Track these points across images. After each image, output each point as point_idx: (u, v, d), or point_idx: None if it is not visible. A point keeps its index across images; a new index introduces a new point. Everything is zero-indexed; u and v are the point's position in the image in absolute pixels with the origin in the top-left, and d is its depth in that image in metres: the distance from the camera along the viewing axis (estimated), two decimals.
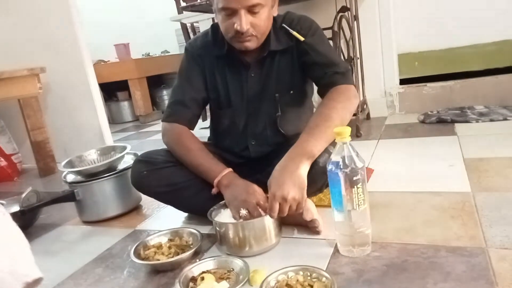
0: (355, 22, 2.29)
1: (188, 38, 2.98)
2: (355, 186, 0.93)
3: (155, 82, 4.28)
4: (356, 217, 0.95)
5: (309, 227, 1.13)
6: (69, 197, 1.49)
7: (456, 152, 1.65)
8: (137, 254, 1.11)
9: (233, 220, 1.08)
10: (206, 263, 1.02)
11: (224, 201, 1.15)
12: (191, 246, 1.14)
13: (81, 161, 1.64)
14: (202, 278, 0.94)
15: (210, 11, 2.42)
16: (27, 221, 1.50)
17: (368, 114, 2.53)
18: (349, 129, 0.93)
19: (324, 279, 0.88)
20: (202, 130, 2.68)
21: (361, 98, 2.45)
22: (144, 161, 1.26)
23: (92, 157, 1.66)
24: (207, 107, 1.37)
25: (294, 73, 1.22)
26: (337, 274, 0.92)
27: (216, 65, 1.26)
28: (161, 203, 1.52)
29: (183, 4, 2.68)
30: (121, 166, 1.58)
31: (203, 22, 2.89)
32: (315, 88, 1.27)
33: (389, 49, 2.49)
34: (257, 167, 1.22)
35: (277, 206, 0.97)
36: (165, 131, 1.27)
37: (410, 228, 1.09)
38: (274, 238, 1.08)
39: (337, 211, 0.97)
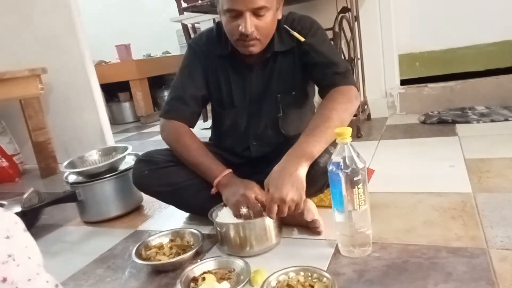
0: (355, 23, 2.29)
1: (189, 39, 2.98)
2: (356, 187, 0.93)
3: (156, 83, 4.29)
4: (357, 217, 0.96)
5: (310, 228, 1.13)
6: (70, 197, 1.49)
7: (457, 153, 1.65)
8: (139, 255, 1.12)
9: (233, 220, 1.08)
10: (207, 264, 1.02)
11: None
12: (192, 246, 1.14)
13: (83, 161, 1.64)
14: (203, 279, 0.95)
15: (211, 12, 2.43)
16: (29, 221, 1.49)
17: (369, 115, 2.53)
18: (350, 129, 0.93)
19: (324, 279, 0.88)
20: (203, 130, 2.69)
21: (362, 99, 2.45)
22: (146, 161, 1.27)
23: (93, 158, 1.67)
24: (209, 107, 1.38)
25: (296, 74, 1.23)
26: (338, 275, 0.92)
27: (219, 64, 1.26)
28: (163, 204, 1.52)
29: (184, 5, 2.68)
30: (122, 166, 1.58)
31: (204, 23, 2.90)
32: (316, 89, 1.27)
33: (389, 49, 2.49)
34: (258, 167, 1.23)
35: (275, 208, 0.97)
36: (164, 127, 1.28)
37: (411, 228, 1.09)
38: (274, 238, 1.08)
39: (338, 212, 0.98)
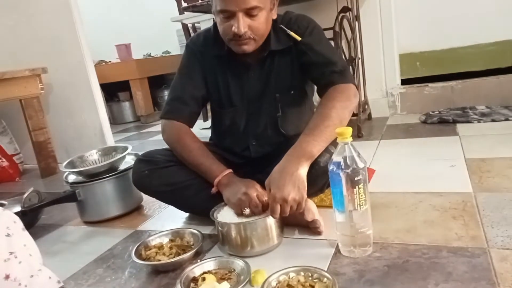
0: (356, 22, 2.29)
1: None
2: (357, 187, 0.93)
3: (156, 83, 4.28)
4: (357, 217, 0.95)
5: (311, 228, 1.13)
6: (70, 197, 1.49)
7: (457, 152, 1.65)
8: (138, 255, 1.11)
9: (235, 220, 1.08)
10: (207, 264, 1.02)
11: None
12: (192, 246, 1.14)
13: (83, 161, 1.64)
14: (203, 279, 0.94)
15: (211, 12, 2.42)
16: (29, 221, 1.50)
17: (370, 115, 2.53)
18: (350, 129, 0.93)
19: (325, 279, 0.88)
20: (203, 130, 2.69)
21: (363, 99, 2.45)
22: (145, 161, 1.27)
23: (93, 158, 1.67)
24: (208, 107, 1.38)
25: (294, 73, 1.22)
26: (338, 275, 0.92)
27: (217, 64, 1.26)
28: (163, 204, 1.52)
29: (184, 4, 2.69)
30: (122, 166, 1.58)
31: (204, 23, 2.90)
32: (315, 88, 1.27)
33: (390, 49, 2.49)
34: (258, 167, 1.22)
35: (278, 208, 0.97)
36: (165, 128, 1.28)
37: (411, 228, 1.09)
38: (276, 239, 1.08)
39: (338, 212, 0.97)
